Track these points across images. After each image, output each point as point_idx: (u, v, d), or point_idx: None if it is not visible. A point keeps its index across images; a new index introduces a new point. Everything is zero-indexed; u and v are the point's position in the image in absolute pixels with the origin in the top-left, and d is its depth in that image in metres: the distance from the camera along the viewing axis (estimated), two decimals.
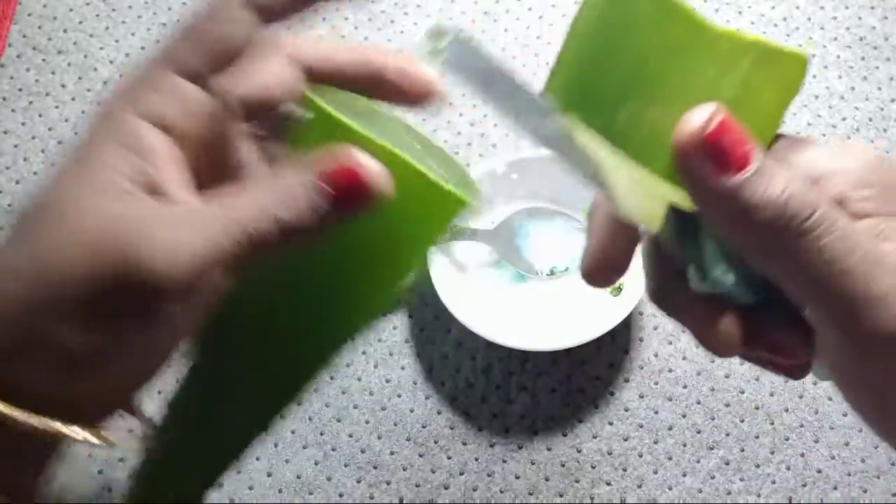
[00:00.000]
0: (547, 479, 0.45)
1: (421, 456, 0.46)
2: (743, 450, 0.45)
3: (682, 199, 0.22)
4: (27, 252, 0.20)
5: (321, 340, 0.24)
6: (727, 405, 0.46)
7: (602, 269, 0.25)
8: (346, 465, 0.46)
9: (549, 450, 0.46)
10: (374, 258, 0.23)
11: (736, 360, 0.48)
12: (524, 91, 0.21)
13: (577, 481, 0.45)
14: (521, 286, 0.49)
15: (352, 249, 0.23)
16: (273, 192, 0.20)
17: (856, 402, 0.23)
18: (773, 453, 0.45)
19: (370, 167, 0.20)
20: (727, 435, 0.46)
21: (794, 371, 0.25)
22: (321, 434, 0.47)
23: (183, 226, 0.20)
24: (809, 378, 0.46)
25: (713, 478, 0.45)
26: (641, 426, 0.46)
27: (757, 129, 0.22)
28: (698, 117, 0.21)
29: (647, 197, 0.23)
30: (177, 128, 0.21)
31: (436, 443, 0.46)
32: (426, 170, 0.22)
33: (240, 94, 0.22)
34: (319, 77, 0.23)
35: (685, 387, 0.47)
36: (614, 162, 0.22)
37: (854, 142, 0.23)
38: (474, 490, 0.45)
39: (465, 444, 0.46)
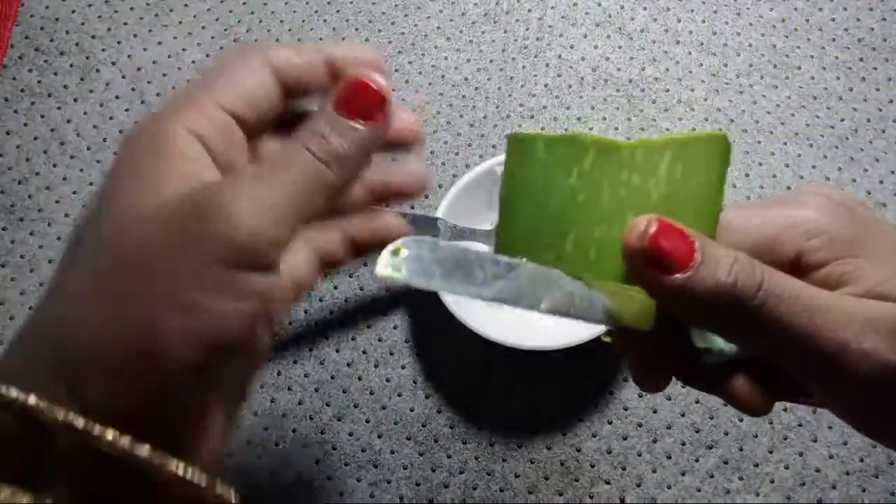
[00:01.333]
0: (546, 478, 0.46)
1: (421, 455, 0.46)
2: (742, 449, 0.46)
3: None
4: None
5: None
6: (726, 404, 0.46)
7: (652, 381, 0.27)
8: (346, 464, 0.46)
9: (548, 449, 0.46)
10: None
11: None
12: (482, 258, 0.23)
13: (577, 480, 0.45)
14: None
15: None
16: (307, 136, 0.23)
17: (852, 424, 0.24)
18: (771, 452, 0.45)
19: (377, 77, 0.24)
20: (726, 434, 0.46)
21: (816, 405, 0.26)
22: (321, 433, 0.47)
23: (258, 186, 0.22)
24: None
25: (712, 477, 0.45)
26: (640, 425, 0.46)
27: (697, 215, 0.23)
28: (635, 232, 0.22)
29: (629, 300, 0.24)
30: (207, 139, 0.24)
31: (436, 442, 0.47)
32: None
33: (232, 104, 0.24)
34: (289, 80, 0.25)
35: (684, 386, 0.47)
36: (583, 285, 0.24)
37: (814, 184, 0.26)
38: (474, 489, 0.45)
39: (464, 442, 0.46)
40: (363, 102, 0.24)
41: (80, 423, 0.20)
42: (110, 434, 0.20)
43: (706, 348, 0.25)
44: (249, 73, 0.25)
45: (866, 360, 0.21)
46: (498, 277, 0.23)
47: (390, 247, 0.22)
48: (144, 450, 0.20)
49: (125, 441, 0.20)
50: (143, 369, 0.20)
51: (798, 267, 0.23)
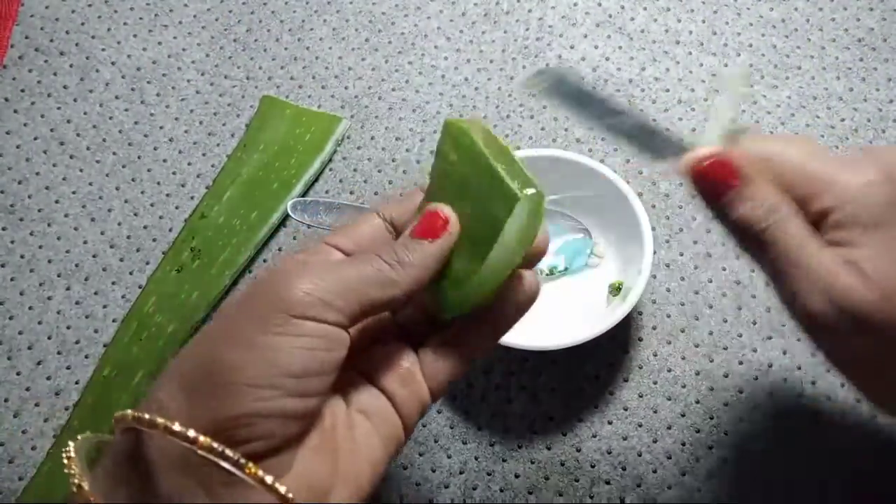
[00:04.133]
0: (546, 478, 0.45)
1: (421, 455, 0.46)
2: (742, 450, 0.46)
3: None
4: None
5: None
6: (726, 405, 0.47)
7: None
8: None
9: (548, 449, 0.46)
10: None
11: (735, 361, 0.48)
12: (616, 109, 0.33)
13: (577, 480, 0.45)
14: None
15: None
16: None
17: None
18: (772, 453, 0.45)
19: (444, 208, 0.30)
20: (726, 434, 0.46)
21: None
22: None
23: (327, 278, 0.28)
24: (809, 378, 0.46)
25: (712, 477, 0.45)
26: (640, 425, 0.46)
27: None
28: (692, 159, 0.31)
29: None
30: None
31: (436, 442, 0.47)
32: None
33: (330, 239, 0.31)
34: (397, 222, 0.32)
35: (684, 386, 0.47)
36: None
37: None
38: (474, 489, 0.45)
39: (464, 443, 0.46)
40: (432, 226, 0.30)
41: (153, 418, 0.24)
42: (174, 424, 0.24)
43: None
44: (360, 221, 0.32)
45: (802, 309, 0.29)
46: (608, 115, 0.33)
47: (540, 69, 0.28)
48: (192, 433, 0.24)
49: (183, 428, 0.24)
50: (214, 389, 0.25)
51: (817, 222, 0.29)
